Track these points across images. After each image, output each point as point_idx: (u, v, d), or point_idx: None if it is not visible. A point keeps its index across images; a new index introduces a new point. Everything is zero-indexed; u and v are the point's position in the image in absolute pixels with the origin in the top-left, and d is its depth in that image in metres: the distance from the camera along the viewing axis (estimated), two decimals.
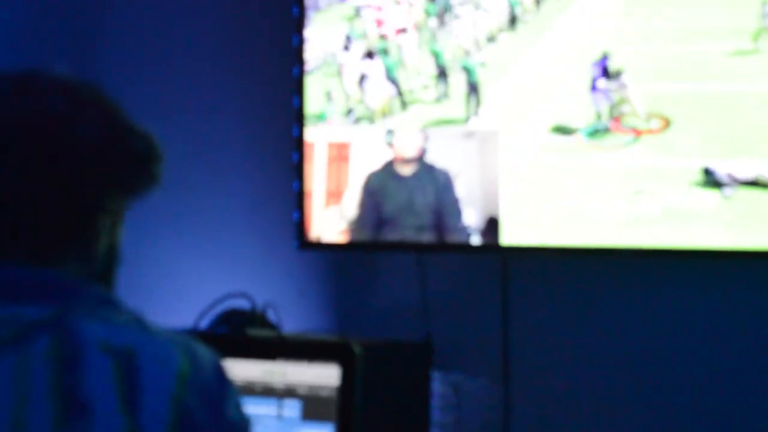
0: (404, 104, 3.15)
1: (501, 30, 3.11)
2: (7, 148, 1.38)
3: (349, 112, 3.17)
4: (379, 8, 3.21)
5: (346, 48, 3.21)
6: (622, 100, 2.94)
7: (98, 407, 1.31)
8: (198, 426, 1.37)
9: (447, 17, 3.15)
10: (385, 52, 3.18)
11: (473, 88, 3.08)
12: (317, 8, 3.21)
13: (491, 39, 3.11)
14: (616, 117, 2.94)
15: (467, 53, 3.11)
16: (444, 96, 3.11)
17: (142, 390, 1.33)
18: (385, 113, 3.16)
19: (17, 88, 1.41)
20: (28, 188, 1.39)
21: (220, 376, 1.43)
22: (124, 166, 1.46)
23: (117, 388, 1.32)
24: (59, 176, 1.40)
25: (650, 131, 2.91)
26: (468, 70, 3.10)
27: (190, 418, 1.36)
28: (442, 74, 3.12)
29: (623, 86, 2.94)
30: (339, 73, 3.19)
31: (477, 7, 3.13)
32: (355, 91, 3.19)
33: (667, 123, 2.90)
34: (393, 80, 3.17)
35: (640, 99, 2.93)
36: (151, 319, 2.59)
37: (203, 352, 1.43)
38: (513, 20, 3.10)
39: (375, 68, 3.20)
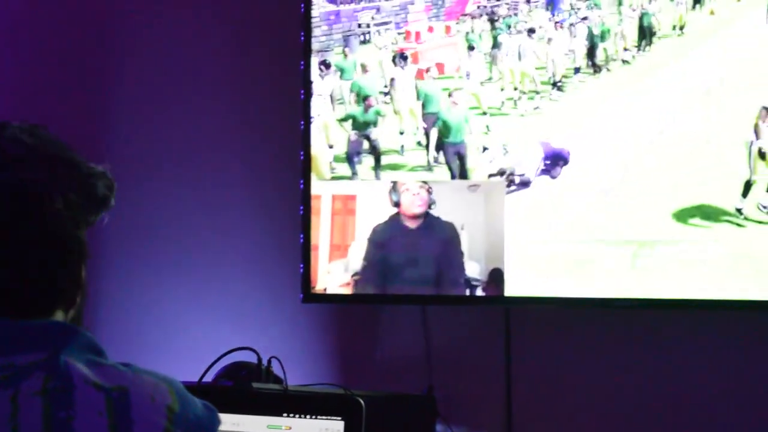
0: (378, 167, 3.13)
1: (576, 70, 3.04)
2: None
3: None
4: (417, 36, 3.20)
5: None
6: None
7: None
8: None
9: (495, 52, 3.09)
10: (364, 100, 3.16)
11: (459, 157, 3.08)
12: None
13: (556, 85, 3.06)
14: None
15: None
16: (435, 163, 3.11)
17: (134, 425, 1.37)
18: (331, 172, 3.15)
19: None
20: (17, 253, 1.44)
21: (209, 414, 1.47)
22: (95, 210, 1.53)
23: (109, 423, 1.36)
24: (44, 238, 1.45)
25: None
26: (445, 126, 3.09)
27: None
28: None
29: None
30: None
31: (541, 37, 3.02)
32: None
33: None
34: (367, 137, 3.17)
35: None
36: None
37: (190, 394, 1.48)
38: (594, 58, 3.01)
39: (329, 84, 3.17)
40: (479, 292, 3.07)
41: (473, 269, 3.07)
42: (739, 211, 2.88)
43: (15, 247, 1.44)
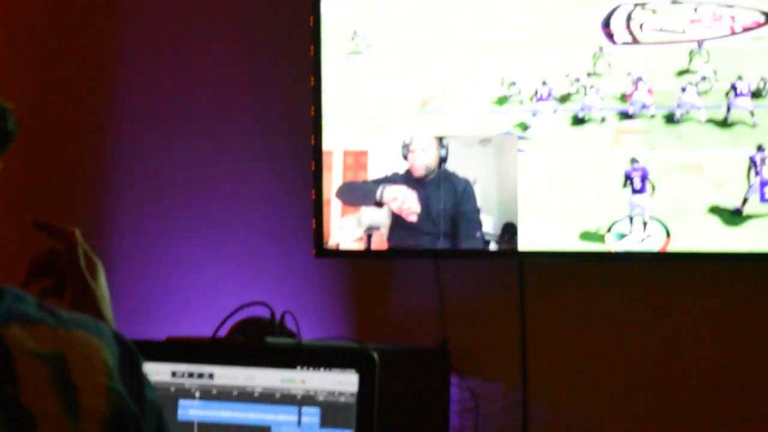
0: None
1: None
2: None
3: None
4: None
5: None
6: None
7: (42, 414, 1.31)
8: (129, 412, 1.38)
9: None
10: None
11: None
12: None
13: None
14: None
15: None
16: None
17: (78, 390, 1.34)
18: None
19: None
20: None
21: (134, 359, 1.45)
22: (1, 146, 1.45)
23: (56, 392, 1.33)
24: None
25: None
26: None
27: (122, 406, 1.38)
28: None
29: None
30: None
31: None
32: None
33: None
34: None
35: None
36: (171, 329, 2.61)
37: (115, 337, 1.45)
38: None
39: None
40: (492, 246, 3.06)
41: (486, 223, 3.07)
42: None
43: None
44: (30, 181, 3.52)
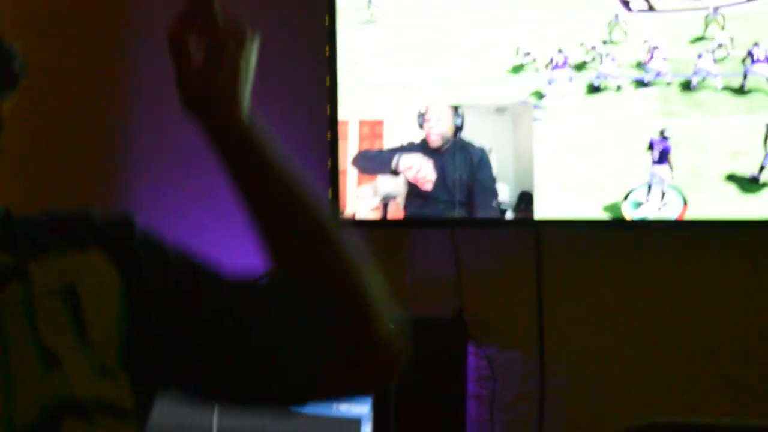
0: None
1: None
2: None
3: None
4: None
5: None
6: None
7: (63, 353, 1.31)
8: (142, 330, 1.36)
9: None
10: None
11: None
12: None
13: None
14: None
15: None
16: None
17: (88, 326, 1.33)
18: None
19: None
20: None
21: (131, 230, 1.45)
22: (5, 88, 1.40)
23: (70, 328, 1.32)
24: None
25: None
26: None
27: (135, 323, 1.36)
28: None
29: None
30: None
31: None
32: None
33: None
34: None
35: None
36: None
37: (111, 219, 1.44)
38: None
39: None
40: (509, 215, 3.06)
41: (502, 192, 3.06)
42: None
43: None
44: (46, 149, 3.53)
